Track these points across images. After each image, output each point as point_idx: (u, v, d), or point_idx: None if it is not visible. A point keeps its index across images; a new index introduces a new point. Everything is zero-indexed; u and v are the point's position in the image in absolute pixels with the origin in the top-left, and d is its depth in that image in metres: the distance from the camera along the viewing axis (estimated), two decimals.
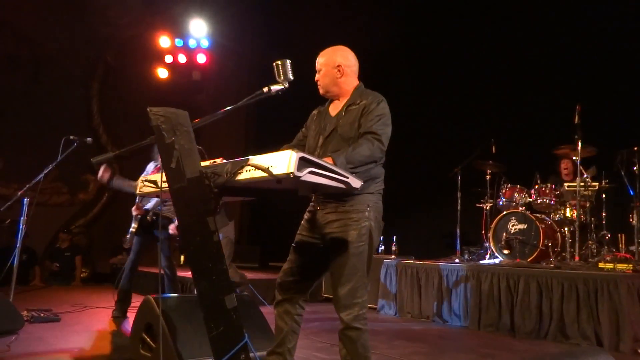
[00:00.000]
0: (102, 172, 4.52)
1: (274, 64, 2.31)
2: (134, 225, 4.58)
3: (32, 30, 8.74)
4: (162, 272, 4.79)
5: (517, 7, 6.51)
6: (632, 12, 5.73)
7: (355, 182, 1.92)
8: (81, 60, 9.30)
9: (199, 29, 9.53)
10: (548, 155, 5.83)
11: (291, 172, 1.68)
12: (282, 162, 1.71)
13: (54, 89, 8.80)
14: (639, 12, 5.66)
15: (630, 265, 4.57)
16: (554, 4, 6.33)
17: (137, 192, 2.40)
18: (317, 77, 2.57)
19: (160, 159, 2.45)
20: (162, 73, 9.50)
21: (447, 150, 6.75)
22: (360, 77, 2.61)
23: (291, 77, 2.30)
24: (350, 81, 2.54)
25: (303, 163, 1.72)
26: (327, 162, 1.90)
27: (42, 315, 4.42)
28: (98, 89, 9.63)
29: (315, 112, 2.68)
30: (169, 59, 9.56)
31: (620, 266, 4.63)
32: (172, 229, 4.59)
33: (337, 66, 2.50)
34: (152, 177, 2.30)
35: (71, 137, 4.69)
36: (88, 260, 8.65)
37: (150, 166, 4.88)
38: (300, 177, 1.71)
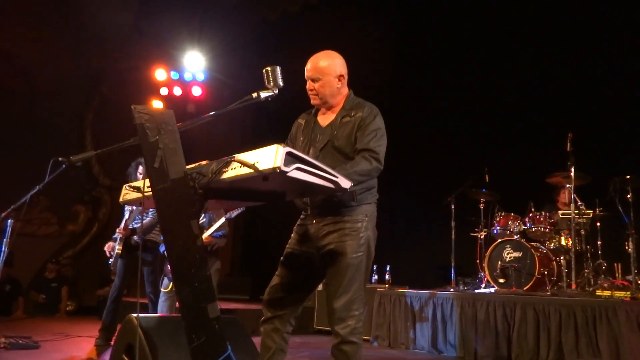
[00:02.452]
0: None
1: (264, 70, 2.28)
2: (118, 247, 4.47)
3: (28, 61, 8.80)
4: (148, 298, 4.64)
5: (509, 36, 6.64)
6: (623, 42, 5.85)
7: (345, 182, 1.86)
8: (76, 91, 9.34)
9: (195, 62, 9.62)
10: (541, 184, 5.80)
11: (277, 167, 1.63)
12: (268, 157, 1.66)
13: (49, 119, 8.80)
14: (630, 41, 5.78)
15: (628, 293, 4.48)
16: (546, 33, 6.46)
17: (120, 199, 2.33)
18: (311, 86, 2.42)
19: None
20: (157, 105, 9.53)
21: (441, 179, 6.73)
22: None
23: (281, 84, 2.27)
24: (345, 90, 2.48)
25: (290, 159, 1.67)
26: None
27: (20, 342, 4.24)
28: (92, 120, 9.64)
29: (301, 121, 2.57)
30: (164, 91, 9.59)
31: (618, 293, 4.54)
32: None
33: (339, 76, 2.42)
34: (135, 184, 2.23)
35: (60, 159, 4.59)
36: (74, 293, 8.42)
37: None
38: (287, 172, 1.65)
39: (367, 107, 2.41)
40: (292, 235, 2.50)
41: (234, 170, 1.78)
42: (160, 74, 9.52)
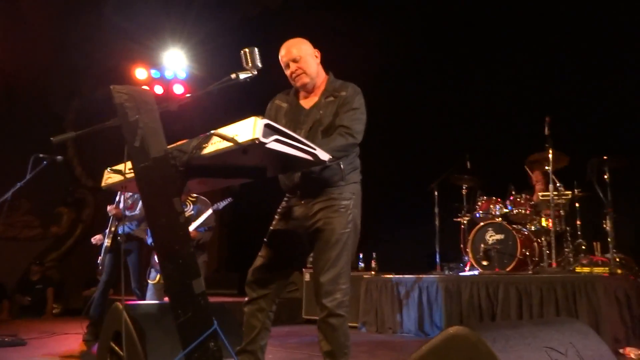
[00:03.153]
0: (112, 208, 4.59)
1: (242, 51, 2.30)
2: (107, 241, 4.47)
3: (6, 63, 8.68)
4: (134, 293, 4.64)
5: (486, 22, 6.73)
6: (597, 25, 5.97)
7: (323, 155, 1.89)
8: (56, 92, 9.25)
9: (175, 61, 9.57)
10: (521, 167, 5.92)
11: (256, 138, 1.65)
12: (246, 129, 1.69)
13: (28, 120, 8.69)
14: (606, 23, 5.90)
15: (607, 269, 4.60)
16: (521, 18, 6.56)
17: (103, 184, 2.34)
18: (293, 68, 2.44)
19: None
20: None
21: (423, 167, 6.81)
22: None
23: (259, 65, 2.29)
24: (323, 72, 2.54)
25: (268, 130, 1.70)
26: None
27: (6, 340, 4.21)
28: (72, 121, 9.55)
29: (279, 103, 2.56)
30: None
31: (596, 270, 4.66)
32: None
33: (314, 54, 2.50)
34: (117, 167, 2.25)
35: (40, 156, 4.55)
36: (61, 295, 8.34)
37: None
38: (266, 143, 1.68)
39: (350, 86, 2.47)
40: (276, 216, 2.53)
41: (213, 145, 1.80)
42: (140, 72, 9.46)
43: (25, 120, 8.62)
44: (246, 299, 2.51)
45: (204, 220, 5.06)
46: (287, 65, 2.48)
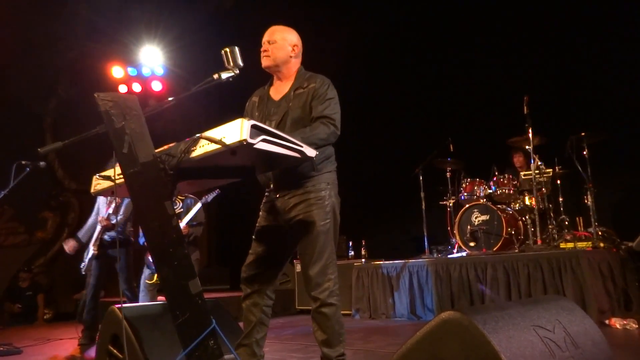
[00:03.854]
0: (68, 246, 4.55)
1: (222, 51, 2.31)
2: (93, 249, 4.45)
3: None
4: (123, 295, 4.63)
5: (464, 6, 6.78)
6: (573, 4, 6.05)
7: (310, 152, 1.93)
8: (33, 94, 9.08)
9: (152, 57, 9.46)
10: (503, 148, 6.02)
11: (244, 140, 1.68)
12: (234, 131, 1.71)
13: (6, 125, 8.54)
14: (581, 2, 5.99)
15: (590, 243, 4.73)
16: (498, 2, 6.62)
17: (92, 190, 2.34)
18: (265, 47, 2.50)
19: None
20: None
21: (407, 152, 6.88)
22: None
23: (241, 64, 2.30)
24: (297, 63, 2.57)
25: (255, 131, 1.73)
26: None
27: (1, 349, 4.20)
28: (51, 123, 9.42)
29: (255, 99, 2.63)
30: (123, 88, 9.37)
31: (580, 244, 4.79)
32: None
33: (294, 45, 2.52)
34: (106, 173, 2.25)
35: (23, 162, 4.52)
36: (51, 300, 8.29)
37: (101, 201, 4.76)
38: (254, 144, 1.71)
39: (319, 78, 2.51)
40: (260, 213, 2.58)
41: (202, 148, 1.82)
42: (117, 71, 9.33)
43: (3, 124, 8.47)
44: (242, 295, 2.57)
45: (194, 215, 5.07)
46: (262, 44, 2.54)
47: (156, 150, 2.01)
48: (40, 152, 1.96)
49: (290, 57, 2.51)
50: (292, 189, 2.39)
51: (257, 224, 2.56)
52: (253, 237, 2.55)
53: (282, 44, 2.49)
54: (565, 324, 1.78)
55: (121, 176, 2.06)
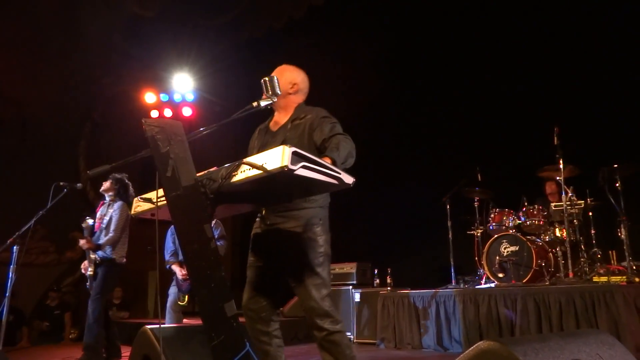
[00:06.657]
0: (84, 267, 4.69)
1: (262, 80, 2.40)
2: (90, 269, 4.56)
3: (18, 91, 8.86)
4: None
5: (496, 34, 6.82)
6: (603, 33, 6.05)
7: (348, 178, 1.96)
8: (68, 119, 9.40)
9: (183, 83, 9.74)
10: (532, 178, 5.95)
11: (285, 166, 1.73)
12: (275, 157, 1.76)
13: (42, 148, 8.84)
14: (613, 32, 5.98)
15: (624, 277, 4.60)
16: (529, 29, 6.65)
17: (132, 212, 2.42)
18: None
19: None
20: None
21: (435, 181, 6.86)
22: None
23: (279, 92, 2.39)
24: (297, 99, 2.66)
25: (296, 157, 1.78)
26: (324, 160, 1.97)
27: None
28: (85, 147, 9.71)
29: (257, 131, 2.75)
30: (154, 114, 9.66)
31: (614, 279, 4.66)
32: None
33: (293, 83, 2.64)
34: (147, 195, 2.32)
35: (61, 184, 4.70)
36: (77, 320, 8.41)
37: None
38: (294, 170, 1.75)
39: (315, 110, 2.59)
40: (251, 246, 2.62)
41: (243, 173, 1.88)
42: (149, 97, 9.63)
43: (39, 148, 8.77)
44: (246, 324, 2.59)
45: (219, 232, 5.15)
46: None
47: (197, 174, 2.08)
48: (90, 174, 2.04)
49: (289, 93, 2.62)
50: (282, 219, 2.45)
51: (249, 257, 2.62)
52: (247, 271, 2.61)
53: (281, 79, 2.53)
54: (606, 359, 1.75)
55: (162, 199, 2.13)
